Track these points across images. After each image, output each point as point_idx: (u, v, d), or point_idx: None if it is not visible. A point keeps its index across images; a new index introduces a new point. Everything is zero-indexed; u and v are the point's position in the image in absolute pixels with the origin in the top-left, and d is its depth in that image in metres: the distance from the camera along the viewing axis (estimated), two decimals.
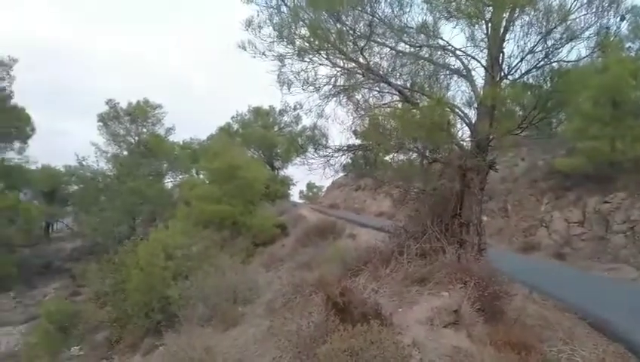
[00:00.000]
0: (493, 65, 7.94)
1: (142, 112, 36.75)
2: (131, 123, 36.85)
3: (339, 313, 5.28)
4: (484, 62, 8.21)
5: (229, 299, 10.85)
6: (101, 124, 35.96)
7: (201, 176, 35.49)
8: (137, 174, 33.31)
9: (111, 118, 36.06)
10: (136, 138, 37.11)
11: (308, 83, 8.65)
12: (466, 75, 8.55)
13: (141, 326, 12.60)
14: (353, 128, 9.51)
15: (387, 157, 10.55)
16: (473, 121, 8.22)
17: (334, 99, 9.16)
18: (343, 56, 8.32)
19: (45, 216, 37.08)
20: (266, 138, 39.19)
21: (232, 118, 43.41)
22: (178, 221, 20.80)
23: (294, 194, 47.55)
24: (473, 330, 5.66)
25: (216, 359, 6.46)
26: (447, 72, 9.07)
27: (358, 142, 9.72)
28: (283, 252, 17.61)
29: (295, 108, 10.71)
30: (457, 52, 8.50)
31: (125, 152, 36.77)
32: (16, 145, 32.12)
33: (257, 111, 42.91)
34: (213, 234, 19.38)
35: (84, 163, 36.11)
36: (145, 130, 37.46)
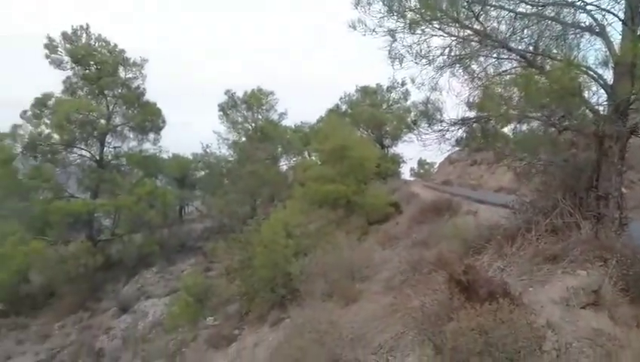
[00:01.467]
0: (634, 18, 7.00)
1: (256, 100, 38.95)
2: (248, 110, 39.33)
3: (463, 291, 5.14)
4: (621, 15, 7.28)
5: (347, 275, 11.11)
6: (221, 113, 39.03)
7: (314, 157, 36.54)
8: (256, 158, 35.14)
9: (230, 107, 38.91)
10: (253, 124, 39.51)
11: (420, 56, 8.36)
12: (600, 31, 7.62)
13: (267, 299, 13.31)
14: (470, 100, 9.05)
15: (508, 128, 9.90)
16: (610, 83, 7.37)
17: (449, 70, 8.71)
18: (456, 25, 7.88)
19: (178, 199, 40.34)
20: (374, 116, 39.07)
21: (341, 98, 43.82)
22: (295, 201, 21.75)
23: (405, 172, 47.03)
24: (616, 312, 5.17)
25: (341, 332, 6.69)
26: (577, 31, 8.14)
27: (474, 114, 9.24)
28: (398, 230, 17.53)
29: (403, 84, 10.46)
30: (588, 7, 7.63)
31: (244, 138, 39.37)
32: (151, 136, 35.26)
33: (365, 90, 42.84)
34: (329, 213, 19.87)
35: (208, 150, 39.80)
36: (260, 116, 39.68)
